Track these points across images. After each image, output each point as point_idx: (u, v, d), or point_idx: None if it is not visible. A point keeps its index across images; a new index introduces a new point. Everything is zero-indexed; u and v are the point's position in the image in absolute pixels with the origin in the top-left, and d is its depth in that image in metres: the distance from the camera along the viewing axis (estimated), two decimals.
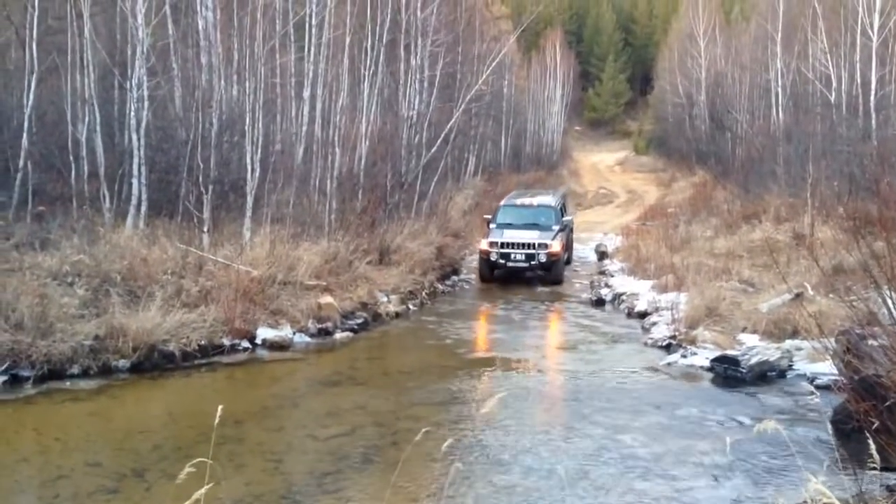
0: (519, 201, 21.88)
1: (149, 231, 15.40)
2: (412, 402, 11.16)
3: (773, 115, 30.03)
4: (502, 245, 19.60)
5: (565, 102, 52.74)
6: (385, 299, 16.33)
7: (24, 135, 15.83)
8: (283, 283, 14.97)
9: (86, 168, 16.46)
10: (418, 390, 11.56)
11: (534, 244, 19.49)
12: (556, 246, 19.54)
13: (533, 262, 19.49)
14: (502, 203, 21.96)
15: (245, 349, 13.12)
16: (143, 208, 16.20)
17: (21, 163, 15.86)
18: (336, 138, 19.46)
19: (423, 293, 17.86)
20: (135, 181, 16.23)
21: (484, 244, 19.99)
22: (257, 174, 16.94)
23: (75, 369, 11.34)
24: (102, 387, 11.13)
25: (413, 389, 11.63)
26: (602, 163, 57.20)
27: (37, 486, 8.19)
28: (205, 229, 15.86)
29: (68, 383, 11.13)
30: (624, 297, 17.56)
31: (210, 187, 16.14)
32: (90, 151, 16.55)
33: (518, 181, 35.61)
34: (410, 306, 16.89)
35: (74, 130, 16.53)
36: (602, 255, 23.31)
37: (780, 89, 29.91)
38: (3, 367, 10.87)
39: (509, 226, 20.18)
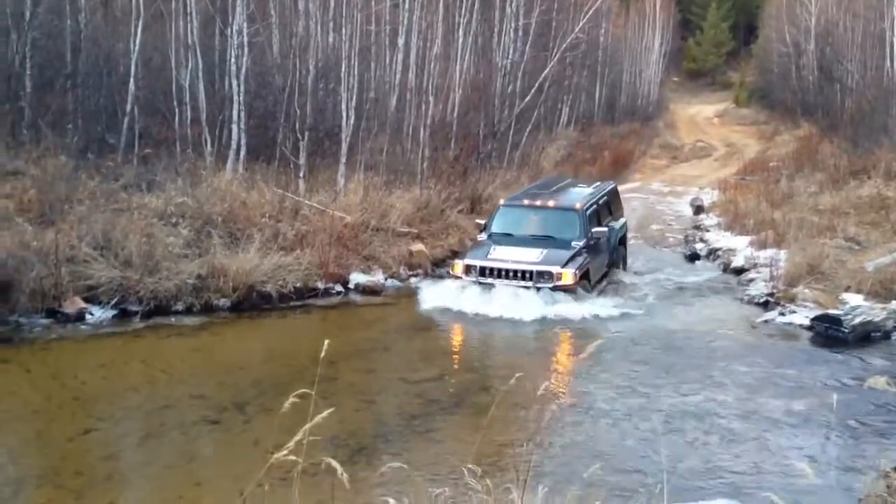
0: (528, 201, 14.33)
1: (247, 175, 15.79)
2: (504, 349, 11.24)
3: (886, 66, 28.33)
4: (483, 271, 12.71)
5: (663, 52, 51.02)
6: None
7: (131, 80, 16.37)
8: (376, 230, 15.19)
9: (188, 113, 16.94)
10: (511, 337, 11.61)
11: (531, 273, 12.56)
12: (567, 276, 12.56)
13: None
14: (503, 202, 14.64)
15: (338, 293, 13.41)
16: (242, 153, 16.60)
17: (128, 107, 16.43)
18: (430, 86, 19.41)
19: None
20: (234, 126, 16.61)
21: (458, 266, 13.04)
22: (352, 121, 17.10)
23: (179, 306, 11.84)
24: (204, 324, 11.60)
25: (505, 337, 11.69)
26: (700, 115, 55.35)
27: (144, 414, 8.65)
28: (301, 175, 16.17)
29: (173, 319, 11.63)
30: (720, 253, 17.10)
31: (306, 134, 16.40)
32: (192, 97, 17.01)
33: (612, 132, 34.89)
34: None
35: (178, 76, 17.00)
36: (698, 210, 22.68)
37: (895, 38, 28.15)
38: (114, 302, 11.45)
39: (507, 238, 13.47)
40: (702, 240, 18.62)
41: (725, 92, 65.21)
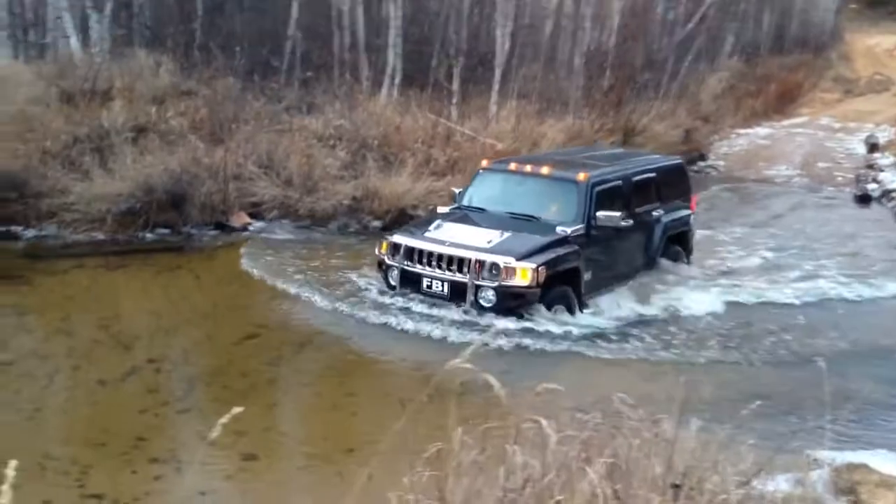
0: (516, 166, 10.21)
1: (402, 101, 16.00)
2: None
3: None
4: (410, 254, 9.07)
5: None
6: None
7: (294, 4, 16.80)
8: None
9: (347, 38, 17.26)
10: None
11: (471, 262, 8.71)
12: (524, 273, 8.59)
13: (462, 303, 8.74)
14: (484, 165, 10.62)
15: None
16: (398, 79, 16.79)
17: (290, 31, 16.92)
18: (586, 13, 18.81)
19: None
20: (390, 52, 16.79)
21: (385, 244, 9.42)
22: (506, 48, 16.89)
23: (334, 225, 12.30)
24: (358, 242, 12.01)
25: None
26: (879, 46, 50.93)
27: (301, 322, 9.08)
28: (453, 101, 16.22)
29: (328, 237, 12.11)
30: (895, 195, 15.93)
31: (460, 60, 16.37)
32: (352, 22, 17.29)
33: (779, 64, 32.76)
34: None
35: (338, 1, 17.28)
36: (872, 148, 21.11)
37: None
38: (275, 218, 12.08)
39: (474, 214, 9.80)
40: (875, 180, 17.37)
41: None
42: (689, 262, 11.00)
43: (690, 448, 3.82)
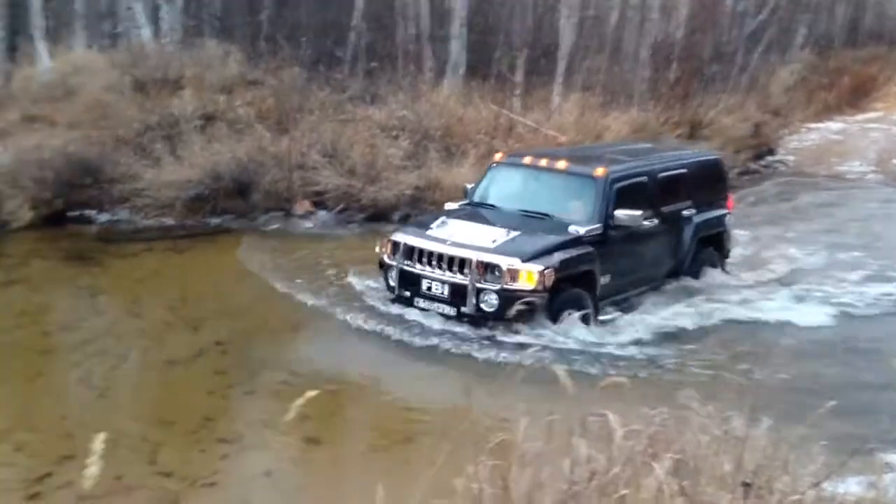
0: (531, 159, 9.41)
1: (464, 91, 16.00)
2: None
3: None
4: (410, 253, 8.38)
5: None
6: None
7: None
8: None
9: (411, 29, 17.32)
10: None
11: (472, 262, 8.01)
12: (529, 276, 7.87)
13: (463, 308, 8.08)
14: (498, 159, 9.77)
15: None
16: (461, 70, 16.79)
17: (354, 21, 17.05)
18: (654, 4, 18.51)
19: (734, 171, 16.89)
20: (454, 42, 16.79)
21: (388, 243, 8.68)
22: (570, 40, 16.75)
23: (396, 215, 12.39)
24: None
25: None
26: None
27: None
28: (516, 92, 16.16)
29: (389, 227, 12.18)
30: None
31: (524, 51, 16.29)
32: (416, 13, 17.34)
33: (853, 57, 31.76)
34: None
35: None
36: None
37: None
38: (339, 208, 12.20)
39: (484, 210, 9.07)
40: None
41: None
42: (724, 267, 10.16)
43: (761, 447, 3.75)
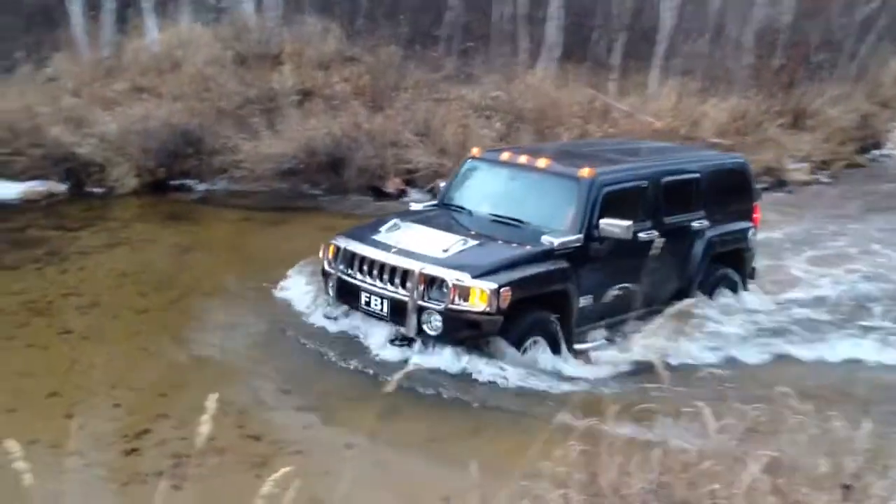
0: (509, 156, 7.92)
1: (559, 74, 15.82)
2: None
3: None
4: (350, 260, 7.15)
5: None
6: (793, 166, 15.21)
7: None
8: (685, 138, 14.61)
9: (508, 9, 17.19)
10: None
11: (415, 274, 6.65)
12: (480, 296, 6.39)
13: (402, 329, 6.80)
14: (473, 153, 8.29)
15: None
16: (557, 52, 16.60)
17: (451, 1, 17.03)
18: None
19: (839, 164, 16.25)
20: (551, 24, 16.60)
21: (332, 246, 7.37)
22: (670, 23, 16.34)
23: None
24: None
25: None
26: None
27: None
28: (612, 76, 15.90)
29: None
30: None
31: (621, 34, 15.99)
32: None
33: None
34: (821, 177, 15.55)
35: None
36: None
37: None
38: (430, 187, 12.27)
39: (453, 214, 7.77)
40: None
41: None
42: (746, 287, 8.62)
43: (861, 449, 3.63)
